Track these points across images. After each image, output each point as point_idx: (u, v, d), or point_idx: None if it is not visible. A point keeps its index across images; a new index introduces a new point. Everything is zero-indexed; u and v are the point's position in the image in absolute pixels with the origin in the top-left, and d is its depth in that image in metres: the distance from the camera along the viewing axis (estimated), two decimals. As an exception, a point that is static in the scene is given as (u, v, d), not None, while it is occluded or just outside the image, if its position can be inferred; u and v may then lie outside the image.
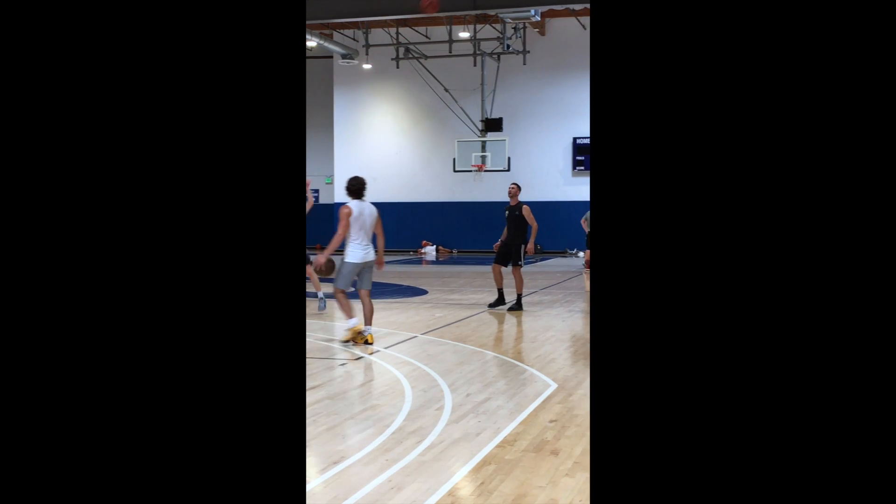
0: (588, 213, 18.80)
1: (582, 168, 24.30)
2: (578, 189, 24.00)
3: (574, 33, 23.97)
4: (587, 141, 24.24)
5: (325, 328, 9.70)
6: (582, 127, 24.38)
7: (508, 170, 22.31)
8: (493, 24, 22.09)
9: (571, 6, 21.60)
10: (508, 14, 18.22)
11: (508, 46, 21.90)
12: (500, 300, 11.40)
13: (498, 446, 4.75)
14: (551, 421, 5.33)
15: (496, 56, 22.88)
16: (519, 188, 11.74)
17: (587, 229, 18.50)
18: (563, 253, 22.79)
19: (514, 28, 22.19)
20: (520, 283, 11.37)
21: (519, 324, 10.15)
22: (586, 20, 23.38)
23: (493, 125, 22.21)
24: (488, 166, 22.41)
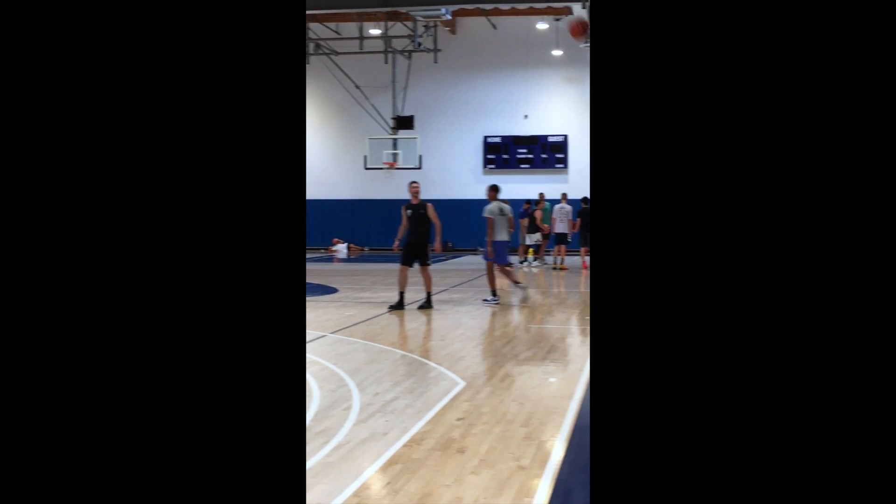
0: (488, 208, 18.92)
1: (493, 166, 24.51)
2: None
3: (485, 33, 24.15)
4: (498, 140, 24.48)
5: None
6: (492, 126, 24.60)
7: (420, 168, 22.34)
8: (405, 22, 22.07)
9: (482, 6, 21.77)
10: (419, 12, 18.24)
11: (420, 44, 21.92)
12: (401, 303, 11.28)
13: (405, 445, 4.75)
14: (458, 419, 5.36)
15: (407, 54, 22.88)
16: (419, 187, 11.71)
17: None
18: (473, 251, 22.93)
19: (426, 26, 22.21)
20: (428, 282, 11.40)
21: (428, 322, 10.18)
22: (497, 20, 23.59)
23: (404, 123, 22.21)
24: (400, 164, 22.40)
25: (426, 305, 11.26)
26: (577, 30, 11.95)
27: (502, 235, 11.74)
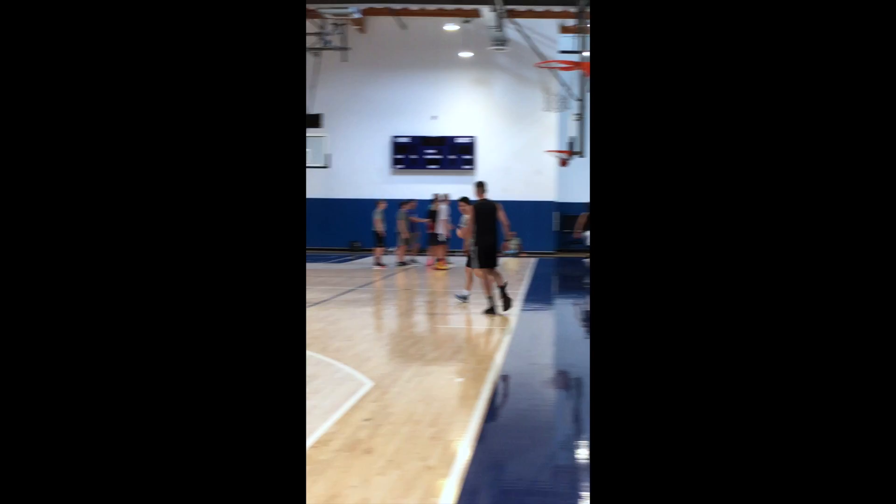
0: (379, 210, 18.96)
1: (401, 166, 24.50)
2: (397, 187, 24.18)
3: (394, 33, 24.13)
4: (406, 140, 24.49)
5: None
6: (400, 126, 24.58)
7: (328, 166, 22.16)
8: (314, 19, 21.85)
9: (391, 5, 21.73)
10: (329, 9, 18.09)
11: (329, 42, 21.74)
12: (502, 304, 10.72)
13: (312, 447, 4.70)
14: (366, 419, 5.33)
15: (316, 52, 22.66)
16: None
17: (380, 229, 18.71)
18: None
19: (335, 24, 22.04)
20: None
21: (335, 322, 10.10)
22: (406, 20, 23.60)
23: (312, 121, 21.97)
24: (308, 162, 22.16)
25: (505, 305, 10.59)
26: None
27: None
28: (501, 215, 10.73)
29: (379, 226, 18.98)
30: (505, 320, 10.15)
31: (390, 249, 21.16)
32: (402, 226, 19.42)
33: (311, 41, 22.37)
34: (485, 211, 10.50)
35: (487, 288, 10.53)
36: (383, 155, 24.76)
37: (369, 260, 20.55)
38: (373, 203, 20.78)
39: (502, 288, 10.55)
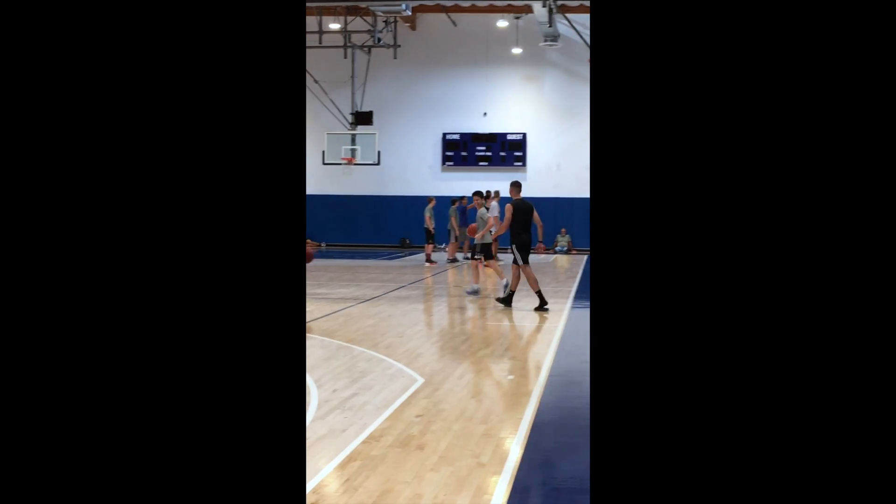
0: (429, 207, 19.04)
1: (451, 163, 24.53)
2: (448, 184, 24.23)
3: (445, 30, 24.15)
4: (456, 137, 24.51)
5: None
6: (451, 123, 24.61)
7: (378, 164, 22.29)
8: (364, 17, 21.98)
9: (442, 2, 21.76)
10: (379, 7, 18.18)
11: (379, 39, 21.85)
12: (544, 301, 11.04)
13: (364, 442, 4.74)
14: (417, 416, 5.36)
15: (367, 49, 22.79)
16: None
17: (430, 226, 18.77)
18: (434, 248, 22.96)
19: (385, 21, 22.15)
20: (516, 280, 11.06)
21: (387, 318, 10.16)
22: (457, 17, 23.60)
23: (363, 118, 22.12)
24: (358, 160, 22.31)
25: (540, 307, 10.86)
26: None
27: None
28: (536, 217, 10.97)
29: (430, 223, 19.06)
30: (543, 317, 10.12)
31: (441, 246, 21.24)
32: (453, 222, 19.48)
33: (361, 38, 22.50)
34: (522, 209, 10.79)
35: (533, 283, 10.74)
36: (434, 152, 24.81)
37: (420, 257, 20.64)
38: (423, 200, 20.87)
39: (508, 286, 11.00)
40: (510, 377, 6.75)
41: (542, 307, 10.66)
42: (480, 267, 12.47)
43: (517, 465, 4.39)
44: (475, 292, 12.01)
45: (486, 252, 11.86)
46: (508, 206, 10.91)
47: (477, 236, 12.04)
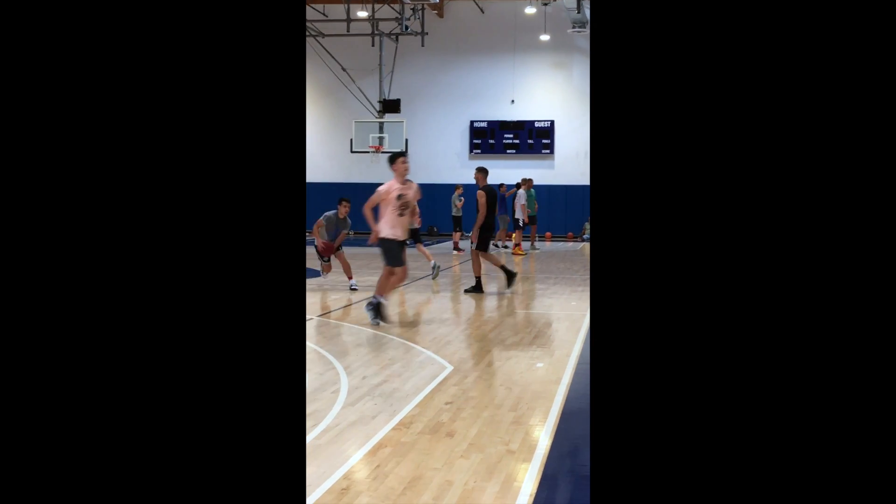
0: (456, 195, 19.04)
1: (478, 151, 24.49)
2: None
3: (472, 17, 24.06)
4: (484, 124, 24.45)
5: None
6: (479, 110, 24.55)
7: (406, 151, 22.29)
8: (392, 5, 21.95)
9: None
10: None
11: (407, 27, 21.83)
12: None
13: (394, 429, 4.76)
14: (447, 403, 5.38)
15: (394, 37, 22.77)
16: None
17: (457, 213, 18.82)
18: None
19: (413, 9, 22.12)
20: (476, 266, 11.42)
21: (415, 306, 10.18)
22: (484, 4, 23.51)
23: (390, 106, 22.13)
24: (386, 147, 22.33)
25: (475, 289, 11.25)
26: None
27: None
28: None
29: (457, 210, 19.07)
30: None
31: (468, 234, 21.12)
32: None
33: (389, 26, 22.49)
34: (491, 195, 11.25)
35: (478, 268, 11.30)
36: (461, 139, 24.77)
37: (447, 244, 20.65)
38: (451, 188, 20.86)
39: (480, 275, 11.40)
40: (539, 365, 6.74)
41: (474, 290, 11.19)
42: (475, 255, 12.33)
43: (546, 452, 4.40)
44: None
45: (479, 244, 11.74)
46: (481, 193, 11.18)
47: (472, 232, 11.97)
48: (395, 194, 8.51)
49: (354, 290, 11.11)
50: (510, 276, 11.33)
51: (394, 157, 8.84)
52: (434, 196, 23.81)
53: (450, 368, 6.45)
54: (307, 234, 11.13)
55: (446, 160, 24.86)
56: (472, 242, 11.35)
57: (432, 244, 21.31)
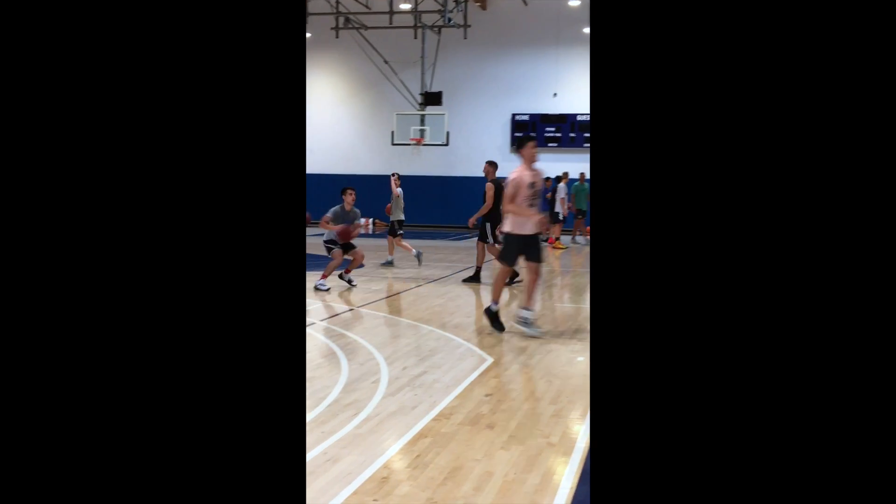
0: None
1: (520, 144, 24.41)
2: (517, 165, 24.07)
3: (515, 9, 23.95)
4: (526, 117, 24.34)
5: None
6: (520, 103, 24.45)
7: (447, 144, 22.29)
8: (435, -3, 21.94)
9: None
10: (450, -13, 18.09)
11: (450, 20, 21.79)
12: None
13: (434, 420, 4.77)
14: (487, 395, 5.37)
15: (437, 29, 22.75)
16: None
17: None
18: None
19: (456, 1, 22.07)
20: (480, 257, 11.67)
21: (455, 298, 10.18)
22: (528, -4, 23.37)
23: (432, 99, 22.11)
24: (427, 140, 22.34)
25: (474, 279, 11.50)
26: None
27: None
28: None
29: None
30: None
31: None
32: None
33: (432, 18, 22.47)
34: (500, 189, 11.00)
35: (480, 260, 11.57)
36: (503, 133, 24.69)
37: (487, 238, 20.60)
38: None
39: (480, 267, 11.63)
40: (580, 359, 6.70)
41: (472, 279, 11.40)
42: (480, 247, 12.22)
43: (587, 446, 4.37)
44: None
45: (482, 234, 11.72)
46: (490, 185, 11.20)
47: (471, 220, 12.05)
48: (526, 182, 7.56)
49: (352, 285, 10.90)
50: (477, 275, 11.58)
51: (523, 141, 7.88)
52: (475, 189, 23.75)
53: (490, 360, 6.44)
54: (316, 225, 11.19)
55: (487, 153, 24.75)
56: (469, 224, 11.55)
57: (472, 237, 21.28)
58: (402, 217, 13.82)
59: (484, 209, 11.21)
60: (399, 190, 14.02)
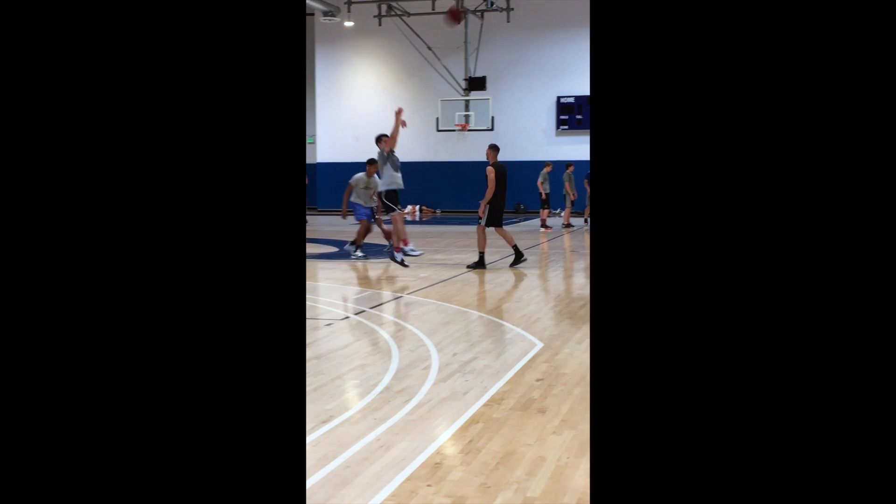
0: (544, 173, 18.83)
1: (566, 127, 24.22)
2: (562, 148, 23.95)
3: (558, -9, 23.71)
4: (571, 100, 24.15)
5: (311, 288, 9.68)
6: (566, 86, 24.25)
7: (492, 129, 22.21)
8: (477, -19, 21.83)
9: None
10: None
11: (492, 4, 21.67)
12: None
13: (485, 405, 4.77)
14: (538, 380, 5.36)
15: (480, 13, 22.64)
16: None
17: (545, 191, 18.57)
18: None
19: (498, -15, 21.95)
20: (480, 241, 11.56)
21: (503, 284, 10.17)
22: (571, -23, 23.13)
23: (476, 84, 22.04)
24: (472, 125, 22.29)
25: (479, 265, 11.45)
26: (452, 17, 11.77)
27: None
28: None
29: (544, 189, 18.93)
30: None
31: (556, 212, 21.02)
32: (568, 188, 19.30)
33: (474, 3, 22.37)
34: (501, 172, 11.33)
35: (509, 240, 11.55)
36: (548, 116, 24.54)
37: (535, 222, 20.54)
38: (538, 165, 20.70)
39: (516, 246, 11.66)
40: (631, 342, 6.66)
41: (476, 265, 11.31)
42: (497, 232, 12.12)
43: (641, 429, 4.34)
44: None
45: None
46: (490, 169, 11.25)
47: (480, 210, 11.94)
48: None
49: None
50: (519, 256, 11.49)
51: None
52: (521, 173, 23.69)
53: (540, 345, 6.43)
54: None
55: (533, 137, 24.66)
56: (479, 218, 11.47)
57: (519, 222, 21.22)
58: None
59: (489, 194, 11.27)
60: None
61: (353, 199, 12.57)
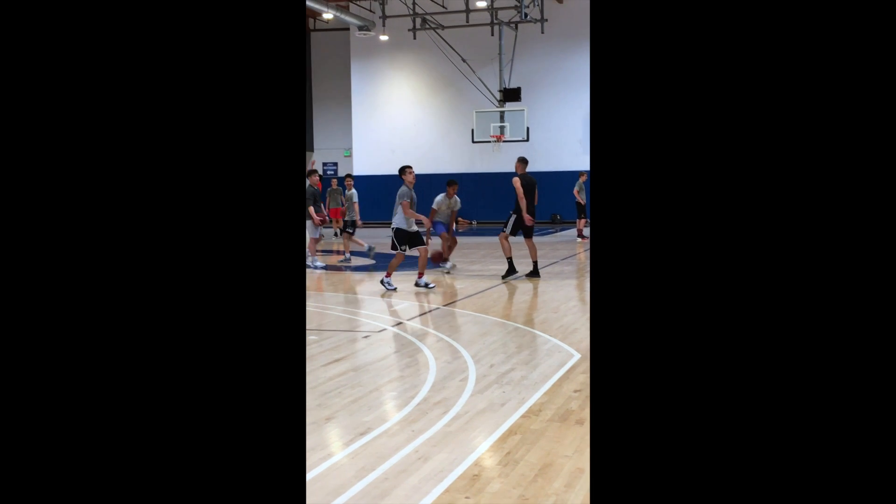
0: (580, 182, 18.73)
1: (601, 137, 24.13)
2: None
3: (592, 0, 23.70)
4: (606, 109, 24.06)
5: (349, 301, 9.74)
6: (601, 95, 24.17)
7: (527, 140, 22.20)
8: (511, -7, 21.88)
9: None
10: (526, -18, 18.01)
11: (526, 15, 21.70)
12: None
13: (523, 416, 4.76)
14: (575, 391, 5.34)
15: (514, 25, 22.68)
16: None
17: (581, 200, 18.44)
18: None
19: (532, -4, 21.98)
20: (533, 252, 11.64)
21: (539, 294, 10.15)
22: (604, -13, 23.09)
23: (511, 95, 22.07)
24: (507, 137, 22.31)
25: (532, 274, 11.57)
26: (435, 260, 12.08)
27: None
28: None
29: (580, 198, 18.86)
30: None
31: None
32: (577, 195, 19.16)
33: (508, 14, 22.41)
34: (529, 184, 11.45)
35: (532, 254, 11.67)
36: (583, 125, 24.46)
37: (571, 232, 20.47)
38: (573, 175, 20.64)
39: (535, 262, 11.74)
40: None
41: (508, 274, 11.51)
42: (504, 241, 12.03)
43: (680, 441, 4.31)
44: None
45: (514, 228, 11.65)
46: (516, 180, 11.33)
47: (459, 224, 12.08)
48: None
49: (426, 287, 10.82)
50: (511, 271, 11.59)
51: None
52: (557, 184, 23.62)
53: (577, 356, 6.40)
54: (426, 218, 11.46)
55: (568, 147, 24.61)
56: (528, 223, 11.44)
57: (555, 232, 21.16)
58: (356, 217, 14.31)
59: (523, 204, 11.27)
60: (354, 192, 14.45)
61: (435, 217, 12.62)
